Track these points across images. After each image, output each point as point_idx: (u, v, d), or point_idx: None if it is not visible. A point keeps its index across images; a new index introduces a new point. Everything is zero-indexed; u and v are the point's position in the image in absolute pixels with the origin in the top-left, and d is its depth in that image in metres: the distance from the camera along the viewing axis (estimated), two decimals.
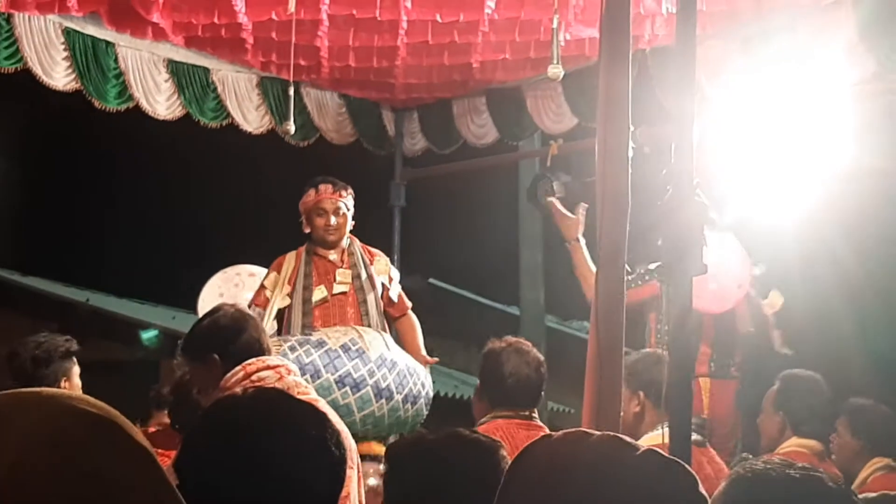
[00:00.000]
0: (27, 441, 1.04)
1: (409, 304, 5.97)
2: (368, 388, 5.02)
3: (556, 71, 5.09)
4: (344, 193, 5.78)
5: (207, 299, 6.25)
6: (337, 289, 5.66)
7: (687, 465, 1.49)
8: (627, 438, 1.50)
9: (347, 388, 4.98)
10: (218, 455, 1.74)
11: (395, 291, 5.88)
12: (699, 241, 3.00)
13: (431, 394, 5.42)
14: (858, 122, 5.69)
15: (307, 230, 5.82)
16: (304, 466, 1.74)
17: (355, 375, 5.00)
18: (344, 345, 5.07)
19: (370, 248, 5.98)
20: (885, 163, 6.03)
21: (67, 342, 4.92)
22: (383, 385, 5.06)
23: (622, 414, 3.20)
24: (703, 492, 1.44)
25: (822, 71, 5.70)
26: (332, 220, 5.72)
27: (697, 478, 1.47)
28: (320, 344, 5.03)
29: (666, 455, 1.49)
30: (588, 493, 1.38)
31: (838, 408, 4.87)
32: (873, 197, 6.66)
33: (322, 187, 5.76)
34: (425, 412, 5.34)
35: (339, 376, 4.98)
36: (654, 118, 5.85)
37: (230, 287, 6.48)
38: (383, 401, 5.06)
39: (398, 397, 5.14)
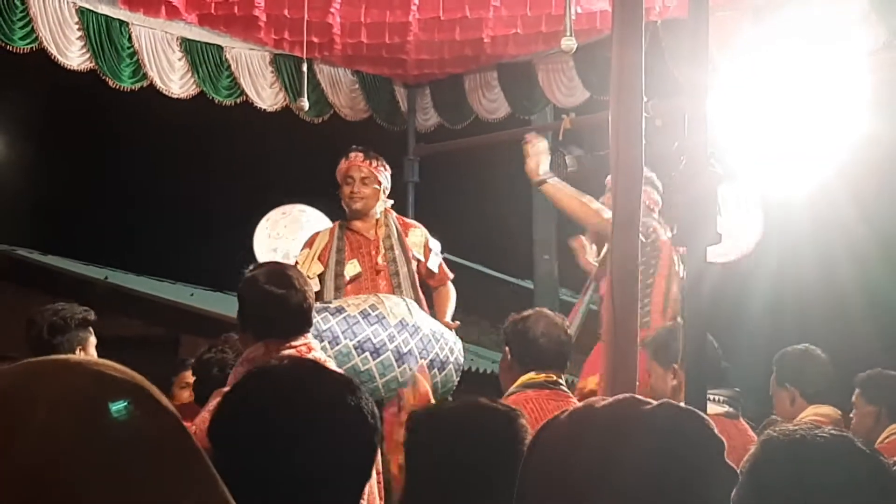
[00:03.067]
0: (55, 407, 1.04)
1: (450, 275, 5.92)
2: (389, 353, 4.93)
3: (569, 43, 5.10)
4: (374, 163, 5.73)
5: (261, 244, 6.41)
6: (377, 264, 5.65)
7: (702, 413, 1.52)
8: (640, 397, 1.53)
9: (367, 354, 4.91)
10: (254, 422, 1.75)
11: (435, 262, 5.84)
12: (713, 210, 3.03)
13: (462, 360, 5.33)
14: (870, 92, 5.68)
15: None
16: (342, 435, 1.75)
17: (375, 341, 4.92)
18: (363, 311, 5.00)
19: (407, 219, 5.94)
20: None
21: (85, 312, 4.95)
22: (405, 350, 4.98)
23: (638, 384, 3.22)
24: (720, 436, 1.47)
25: (833, 41, 5.69)
26: (357, 187, 5.67)
27: (713, 423, 1.50)
28: (339, 311, 4.98)
29: (680, 405, 1.53)
30: (605, 450, 1.42)
31: (843, 372, 4.89)
32: (884, 167, 6.67)
33: (352, 155, 5.74)
34: (455, 378, 5.25)
35: (359, 342, 4.91)
36: (665, 90, 5.86)
37: (279, 215, 6.58)
38: (406, 366, 4.97)
39: (422, 362, 5.07)
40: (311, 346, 3.80)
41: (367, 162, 5.72)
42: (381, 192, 5.77)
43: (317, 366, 1.99)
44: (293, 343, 3.71)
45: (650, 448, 1.41)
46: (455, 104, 7.84)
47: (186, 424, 1.11)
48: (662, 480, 1.40)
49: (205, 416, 3.49)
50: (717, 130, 3.46)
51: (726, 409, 4.03)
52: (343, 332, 4.80)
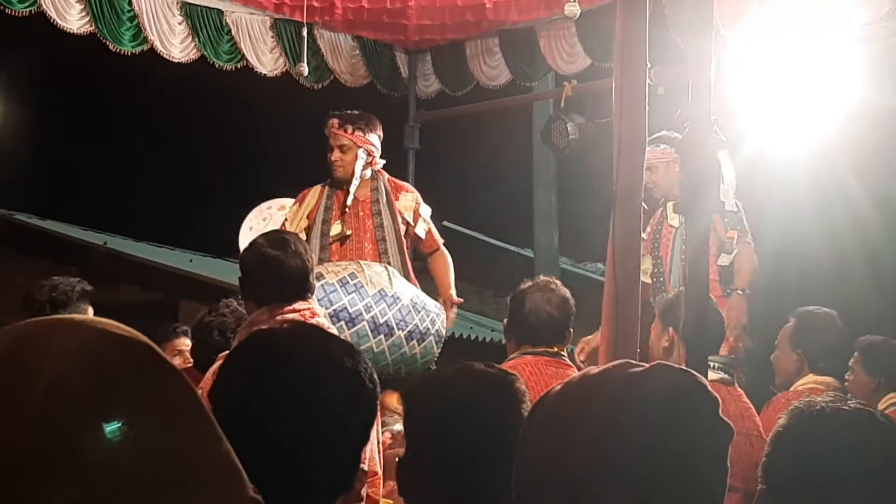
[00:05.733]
0: (62, 364, 1.05)
1: (440, 240, 5.87)
2: (364, 322, 4.90)
3: (573, 9, 5.09)
4: (350, 129, 5.61)
5: (243, 236, 6.35)
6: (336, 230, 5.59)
7: (696, 373, 1.53)
8: (633, 361, 1.53)
9: (342, 323, 4.86)
10: (255, 385, 1.76)
11: (423, 228, 5.77)
12: (716, 178, 3.03)
13: (444, 331, 5.30)
14: (872, 61, 5.67)
15: None
16: (341, 399, 1.76)
17: (351, 310, 4.88)
18: (342, 279, 4.97)
19: (399, 182, 5.86)
20: None
21: (80, 283, 4.96)
22: (381, 320, 4.95)
23: (641, 346, 3.24)
24: (715, 394, 1.48)
25: (836, 9, 5.67)
26: (336, 155, 5.60)
27: (706, 383, 1.50)
28: (317, 278, 4.95)
29: (672, 365, 1.53)
30: (601, 416, 1.42)
31: (852, 343, 4.88)
32: (884, 134, 6.67)
33: (329, 122, 5.65)
34: (436, 350, 5.23)
35: (335, 310, 4.86)
36: (669, 58, 5.84)
37: (259, 221, 6.49)
38: (381, 336, 4.93)
39: (400, 333, 5.01)
40: (314, 312, 3.80)
41: (343, 130, 5.62)
42: (365, 155, 5.65)
43: (317, 329, 1.99)
44: (297, 307, 3.70)
45: (646, 410, 1.42)
46: (456, 70, 7.82)
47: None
48: (659, 441, 1.41)
49: (209, 377, 3.51)
50: (720, 96, 3.45)
51: (721, 375, 4.05)
52: (319, 300, 4.71)
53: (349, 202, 5.60)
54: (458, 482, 2.20)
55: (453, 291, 5.74)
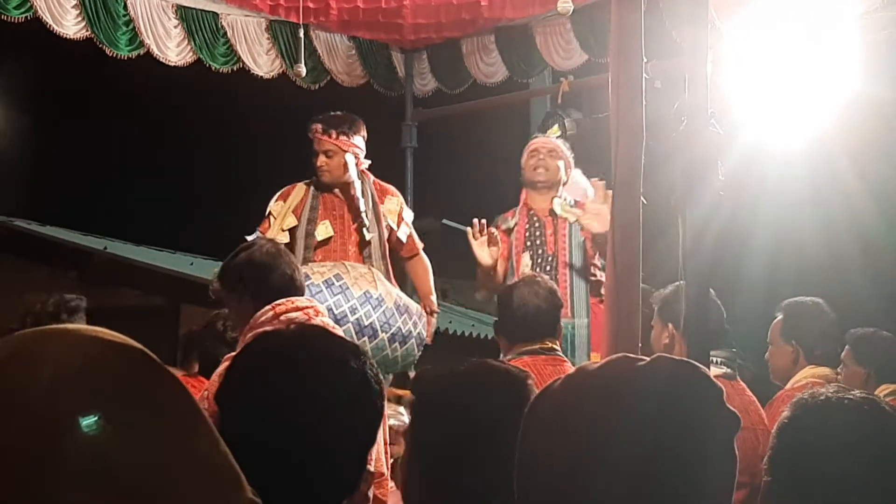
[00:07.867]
0: (59, 371, 1.06)
1: (420, 244, 5.83)
2: (349, 324, 4.87)
3: (565, 6, 5.09)
4: (334, 134, 5.52)
5: None
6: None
7: (698, 364, 1.52)
8: (633, 355, 1.53)
9: None
10: (261, 386, 1.76)
11: (404, 233, 5.72)
12: (714, 170, 3.03)
13: (425, 334, 5.29)
14: (868, 52, 5.67)
15: None
16: (348, 400, 1.76)
17: (336, 311, 4.84)
18: (327, 280, 4.95)
19: (385, 185, 5.80)
20: (893, 92, 6.03)
21: (78, 299, 4.97)
22: (366, 323, 4.93)
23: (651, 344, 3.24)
24: (719, 384, 1.47)
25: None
26: (322, 161, 5.52)
27: (708, 372, 1.50)
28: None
29: (674, 357, 1.53)
30: (603, 409, 1.42)
31: (845, 330, 4.86)
32: (881, 125, 6.67)
33: (312, 127, 5.56)
34: (417, 353, 5.22)
35: None
36: (665, 51, 5.85)
37: None
38: (366, 339, 4.89)
39: (383, 336, 5.00)
40: (318, 310, 3.79)
41: (328, 135, 5.52)
42: (352, 158, 5.57)
43: (322, 331, 2.00)
44: (300, 304, 3.69)
45: (649, 402, 1.41)
46: (452, 68, 7.83)
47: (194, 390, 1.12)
48: (664, 432, 1.39)
49: (214, 380, 3.51)
50: (717, 88, 3.45)
51: (723, 370, 4.04)
52: None
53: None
54: (465, 481, 2.20)
55: (434, 298, 5.73)
